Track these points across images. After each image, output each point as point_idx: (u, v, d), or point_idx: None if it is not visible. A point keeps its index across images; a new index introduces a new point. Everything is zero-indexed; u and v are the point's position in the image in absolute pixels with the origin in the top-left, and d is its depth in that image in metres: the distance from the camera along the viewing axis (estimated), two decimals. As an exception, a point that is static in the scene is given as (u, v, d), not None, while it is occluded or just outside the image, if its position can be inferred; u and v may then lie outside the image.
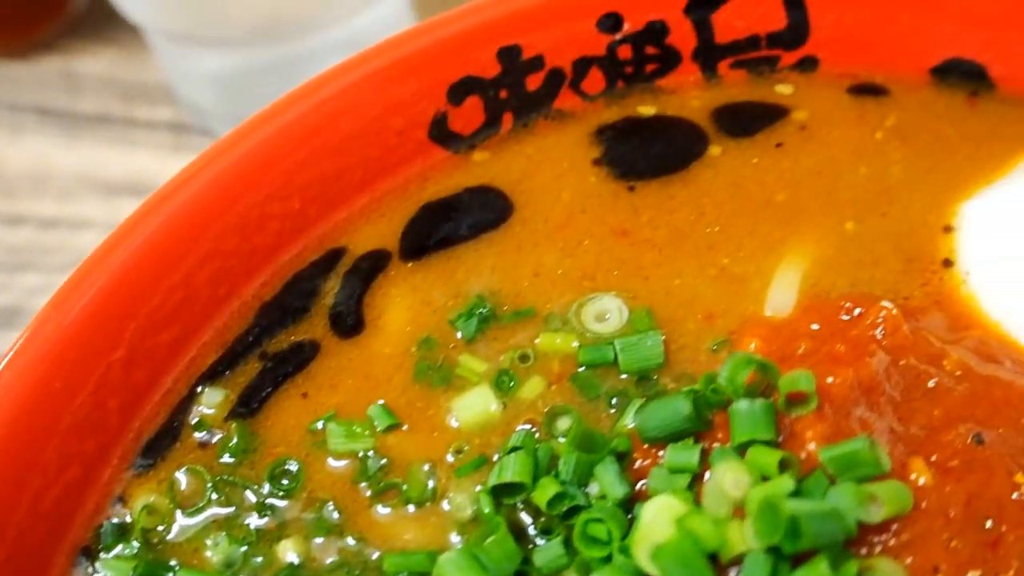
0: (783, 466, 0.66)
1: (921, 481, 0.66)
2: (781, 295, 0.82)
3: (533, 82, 0.92)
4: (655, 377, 0.79)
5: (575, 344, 0.81)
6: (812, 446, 0.67)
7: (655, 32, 0.92)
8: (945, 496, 0.66)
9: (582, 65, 0.92)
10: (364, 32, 1.34)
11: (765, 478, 0.66)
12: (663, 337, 0.80)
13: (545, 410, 0.78)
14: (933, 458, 0.68)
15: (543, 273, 0.85)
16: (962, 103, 0.93)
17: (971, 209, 0.85)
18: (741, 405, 0.69)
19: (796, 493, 0.64)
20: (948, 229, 0.85)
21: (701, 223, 0.87)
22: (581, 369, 0.80)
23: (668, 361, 0.79)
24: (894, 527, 0.65)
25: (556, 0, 0.89)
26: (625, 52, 0.93)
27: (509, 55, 0.90)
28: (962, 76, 0.93)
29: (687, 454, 0.69)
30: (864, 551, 0.64)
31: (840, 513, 0.62)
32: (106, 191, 1.42)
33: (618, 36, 0.92)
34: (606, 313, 0.82)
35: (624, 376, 0.79)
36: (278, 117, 0.82)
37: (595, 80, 0.93)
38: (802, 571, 0.61)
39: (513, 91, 0.91)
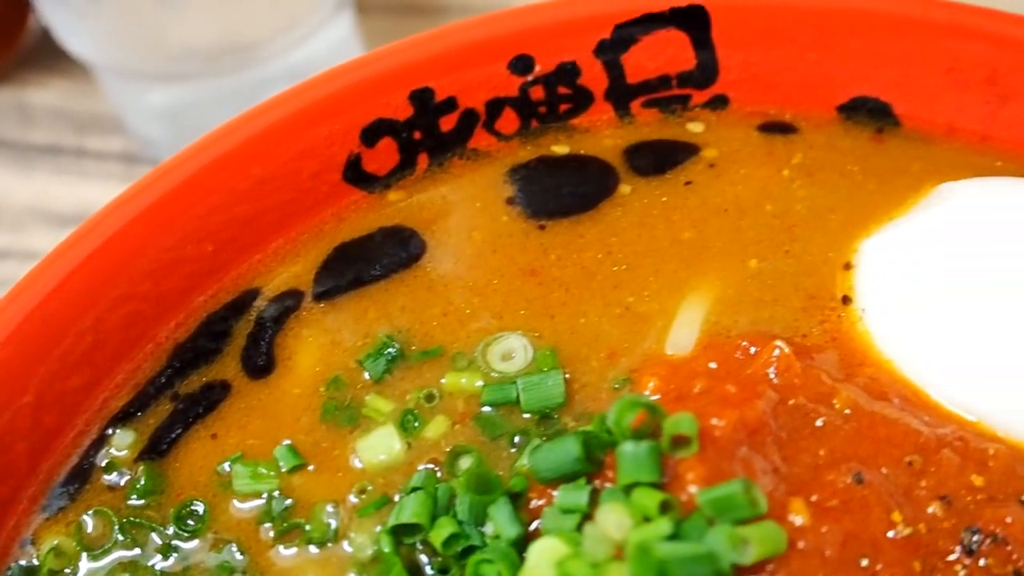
0: (664, 508, 0.67)
1: (799, 521, 0.68)
2: (682, 334, 0.84)
3: (447, 123, 0.93)
4: (556, 416, 0.80)
5: (479, 384, 0.82)
6: (693, 488, 0.68)
7: (566, 73, 0.94)
8: (822, 536, 0.67)
9: (495, 106, 0.94)
10: (308, 62, 1.36)
11: (648, 520, 0.67)
12: (566, 376, 0.82)
13: (448, 450, 0.79)
14: (814, 498, 0.70)
15: (452, 312, 0.86)
16: (868, 140, 0.95)
17: (869, 246, 0.86)
18: (626, 447, 0.70)
19: (675, 535, 0.66)
20: (848, 266, 0.86)
21: (608, 262, 0.88)
22: (484, 409, 0.81)
23: (570, 400, 0.81)
24: (769, 567, 0.66)
25: (467, 44, 0.91)
26: (538, 93, 0.94)
27: (421, 97, 0.91)
28: (868, 114, 0.95)
29: (577, 495, 0.71)
30: (744, 595, 0.66)
31: (711, 556, 0.63)
32: (58, 222, 1.43)
33: (530, 77, 0.94)
34: (512, 352, 0.84)
35: (527, 415, 0.81)
36: (187, 165, 0.84)
37: (509, 120, 0.95)
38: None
39: (427, 132, 0.93)
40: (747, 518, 0.66)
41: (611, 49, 0.94)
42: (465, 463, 0.79)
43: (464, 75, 0.92)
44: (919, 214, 0.86)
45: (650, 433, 0.71)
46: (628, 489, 0.69)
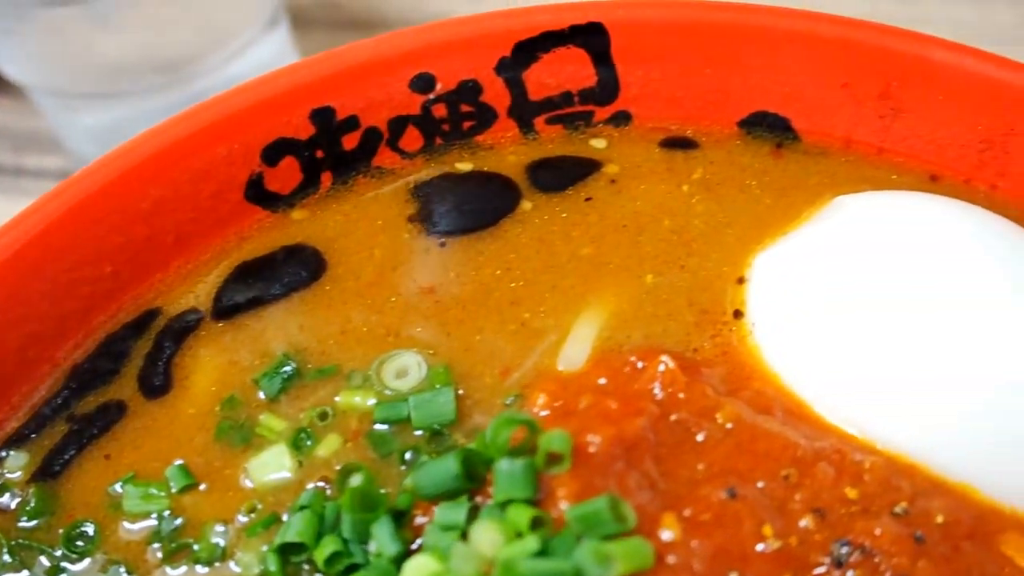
0: (535, 524, 0.68)
1: (668, 536, 0.68)
2: (575, 349, 0.84)
3: (349, 142, 0.94)
4: (447, 433, 0.81)
5: (372, 402, 0.83)
6: (563, 504, 0.69)
7: (468, 90, 0.95)
8: (692, 550, 0.68)
9: (398, 124, 0.95)
10: (241, 78, 1.35)
11: (521, 536, 0.68)
12: (459, 392, 0.82)
13: (338, 468, 0.80)
14: (687, 512, 0.70)
15: (349, 331, 0.87)
16: (768, 155, 0.96)
17: (761, 260, 0.87)
18: (502, 464, 0.71)
19: (544, 552, 0.66)
20: (741, 280, 0.87)
21: (506, 278, 0.89)
22: (377, 426, 0.82)
23: (462, 416, 0.81)
24: (637, 582, 0.67)
25: (367, 62, 0.92)
26: (440, 110, 0.95)
27: (322, 116, 0.92)
28: (768, 128, 0.96)
29: (455, 512, 0.71)
30: (610, 608, 0.66)
31: (573, 571, 0.64)
32: (-4, 241, 1.43)
33: (431, 95, 0.94)
34: (406, 369, 0.85)
35: (418, 432, 0.81)
36: (83, 184, 0.84)
37: (412, 138, 0.96)
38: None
39: (329, 151, 0.94)
40: (615, 534, 0.67)
41: (512, 67, 0.94)
42: (355, 481, 0.79)
43: (365, 94, 0.93)
44: (810, 227, 0.87)
45: (528, 450, 0.72)
46: (504, 506, 0.70)
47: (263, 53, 1.41)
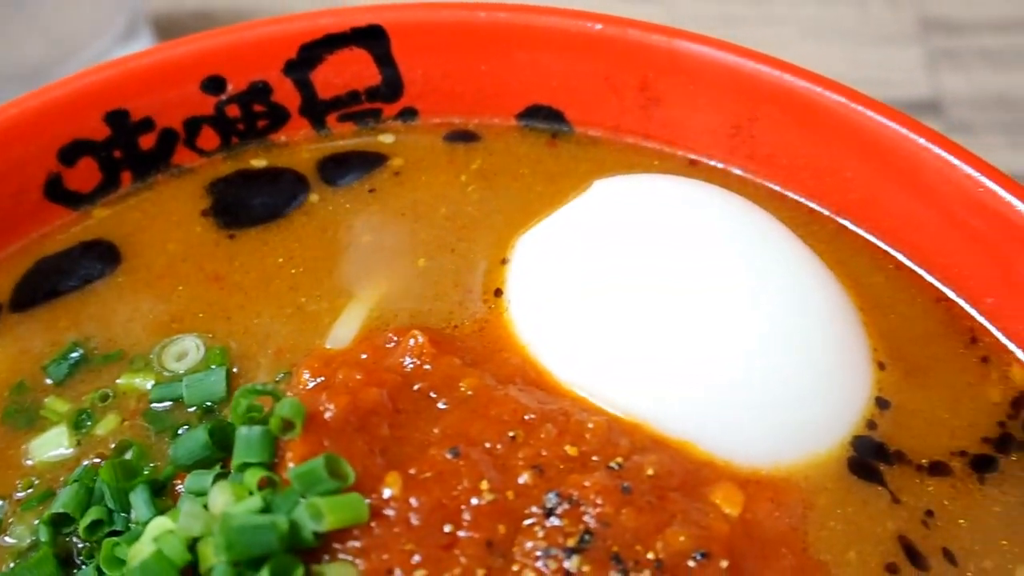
0: (262, 485, 0.73)
1: (388, 493, 0.74)
2: (344, 329, 0.90)
3: (146, 142, 1.00)
4: (218, 409, 0.86)
5: (151, 383, 0.88)
6: (291, 466, 0.74)
7: (259, 91, 1.00)
8: (410, 506, 0.74)
9: (193, 124, 1.00)
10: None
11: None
12: (234, 371, 0.88)
13: (113, 445, 0.85)
14: (412, 471, 0.76)
15: (137, 319, 0.92)
16: (544, 145, 1.02)
17: (522, 242, 0.93)
18: (241, 431, 0.76)
19: (268, 509, 0.72)
20: (504, 261, 0.93)
21: (288, 266, 0.95)
22: (154, 405, 0.87)
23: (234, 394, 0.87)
24: (355, 533, 0.72)
25: (158, 65, 0.97)
26: (233, 111, 1.01)
27: (116, 118, 0.97)
28: (544, 120, 1.02)
29: (203, 479, 0.77)
30: (327, 557, 0.72)
31: (286, 524, 0.69)
32: None
33: (223, 96, 1.00)
34: (185, 352, 0.90)
35: (191, 409, 0.86)
36: None
37: (209, 137, 1.01)
38: (250, 572, 0.69)
39: (127, 151, 0.99)
40: (334, 490, 0.73)
41: (299, 68, 1.00)
42: (128, 457, 0.84)
43: (158, 96, 0.98)
44: (564, 209, 0.93)
45: (267, 419, 0.77)
46: (242, 469, 0.76)
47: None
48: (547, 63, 0.99)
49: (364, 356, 0.86)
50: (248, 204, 0.99)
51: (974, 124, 1.53)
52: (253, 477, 0.74)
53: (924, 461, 0.82)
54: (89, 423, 0.87)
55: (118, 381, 0.89)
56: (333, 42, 1.00)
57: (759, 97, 0.94)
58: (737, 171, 0.99)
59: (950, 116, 1.53)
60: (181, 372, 0.89)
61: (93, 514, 0.78)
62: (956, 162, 0.88)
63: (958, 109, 1.55)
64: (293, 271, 0.94)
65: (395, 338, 0.86)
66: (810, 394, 0.83)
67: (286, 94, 1.01)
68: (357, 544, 0.73)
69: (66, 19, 1.37)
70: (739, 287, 0.85)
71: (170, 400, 0.87)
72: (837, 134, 0.93)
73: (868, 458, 0.82)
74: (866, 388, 0.85)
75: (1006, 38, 1.62)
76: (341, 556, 0.72)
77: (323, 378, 0.85)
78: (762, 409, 0.82)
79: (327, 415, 0.78)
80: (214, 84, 0.99)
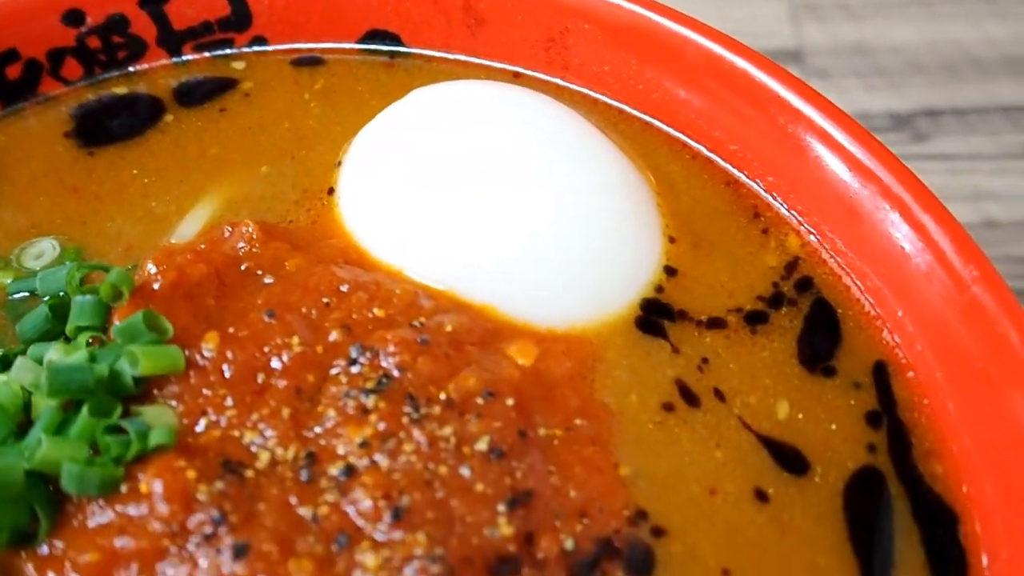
0: (90, 343, 0.82)
1: (207, 348, 0.82)
2: (188, 227, 0.99)
3: (13, 72, 1.08)
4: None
5: (10, 280, 0.96)
6: (116, 323, 0.82)
7: (117, 24, 1.09)
8: (226, 358, 0.82)
9: (56, 56, 1.08)
10: None
11: (84, 355, 0.81)
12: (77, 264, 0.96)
13: (-28, 333, 0.93)
14: (231, 330, 0.84)
15: (1, 227, 1.00)
16: (383, 67, 1.11)
17: (353, 145, 1.02)
18: (76, 300, 0.85)
19: (93, 360, 0.80)
20: (339, 164, 1.02)
21: (141, 177, 1.03)
22: (12, 296, 0.95)
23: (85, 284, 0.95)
24: (172, 379, 0.81)
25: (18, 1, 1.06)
26: (94, 42, 1.09)
27: (-19, 49, 1.06)
28: (383, 43, 1.11)
29: (42, 348, 0.85)
30: (148, 403, 0.80)
31: (93, 368, 0.78)
32: None
33: (83, 29, 1.08)
34: (42, 252, 0.98)
35: (46, 299, 0.94)
36: None
37: (72, 68, 1.10)
38: (74, 414, 0.77)
39: (-6, 81, 1.07)
40: (155, 342, 0.81)
41: (153, 1, 1.09)
42: (-14, 342, 0.92)
43: (21, 27, 1.06)
44: (388, 112, 1.02)
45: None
46: (76, 334, 0.84)
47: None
48: (380, -13, 1.08)
49: (202, 247, 0.95)
50: (108, 126, 1.07)
51: (831, 70, 1.64)
52: (84, 338, 0.82)
53: (704, 317, 0.91)
54: (-51, 317, 0.94)
55: (-20, 280, 0.97)
56: (182, -25, 1.08)
57: (567, 11, 1.04)
58: (556, 80, 1.08)
59: (811, 63, 1.63)
60: (37, 269, 0.97)
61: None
62: (740, 61, 0.97)
63: (818, 57, 1.65)
64: (146, 180, 1.03)
65: (230, 229, 0.95)
66: (602, 261, 0.92)
67: (143, 26, 1.10)
68: (175, 389, 0.81)
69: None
70: (539, 170, 0.94)
71: (26, 292, 0.95)
72: (638, 42, 1.02)
73: (654, 317, 0.91)
74: (655, 257, 0.94)
75: (863, -8, 1.72)
76: (160, 401, 0.81)
77: (165, 267, 0.93)
78: (557, 274, 0.91)
79: (155, 286, 0.86)
80: (73, 17, 1.07)
